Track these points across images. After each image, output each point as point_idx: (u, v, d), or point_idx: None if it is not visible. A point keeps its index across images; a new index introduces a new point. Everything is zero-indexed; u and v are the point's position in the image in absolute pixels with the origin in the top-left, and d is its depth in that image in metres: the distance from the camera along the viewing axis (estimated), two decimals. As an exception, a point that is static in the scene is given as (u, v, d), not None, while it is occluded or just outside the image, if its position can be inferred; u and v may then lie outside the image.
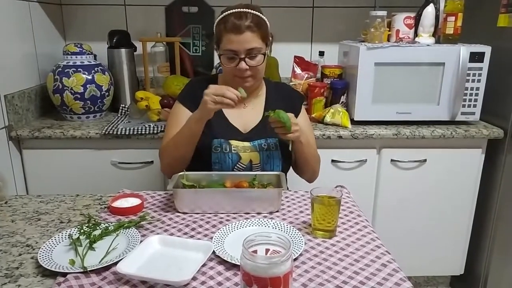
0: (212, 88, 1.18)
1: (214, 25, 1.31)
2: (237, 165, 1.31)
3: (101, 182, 1.79)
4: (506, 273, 1.92)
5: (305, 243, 0.97)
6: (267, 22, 1.31)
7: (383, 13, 1.82)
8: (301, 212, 1.15)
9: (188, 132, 1.27)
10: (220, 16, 1.29)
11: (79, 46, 1.87)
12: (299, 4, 2.26)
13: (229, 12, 1.27)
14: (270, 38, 1.34)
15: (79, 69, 1.82)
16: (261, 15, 1.29)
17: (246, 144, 1.33)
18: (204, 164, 1.31)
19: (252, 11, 1.26)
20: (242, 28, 1.23)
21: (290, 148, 1.30)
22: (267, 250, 0.75)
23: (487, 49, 1.76)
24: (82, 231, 0.99)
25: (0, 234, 1.03)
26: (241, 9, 1.26)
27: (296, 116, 1.40)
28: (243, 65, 1.25)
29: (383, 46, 1.76)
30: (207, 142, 1.31)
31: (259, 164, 1.33)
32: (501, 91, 1.83)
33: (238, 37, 1.23)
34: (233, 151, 1.31)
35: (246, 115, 1.37)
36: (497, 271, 1.92)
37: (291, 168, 1.46)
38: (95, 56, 1.97)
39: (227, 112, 1.36)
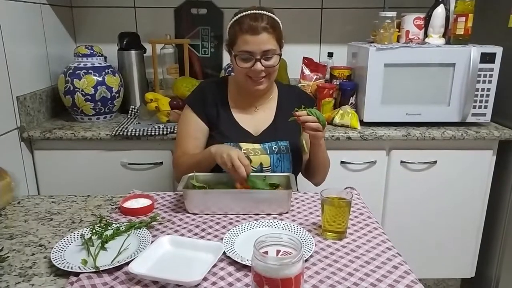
0: (238, 155, 1.13)
1: (228, 27, 1.30)
2: None
3: (111, 182, 1.80)
4: (517, 276, 1.90)
5: (315, 245, 0.97)
6: (280, 24, 1.30)
7: (392, 13, 1.81)
8: (311, 213, 1.15)
9: (203, 162, 1.25)
10: (235, 18, 1.27)
11: (89, 48, 1.88)
12: (308, 6, 2.26)
13: (244, 14, 1.25)
14: (283, 40, 1.32)
15: (89, 71, 1.84)
16: (275, 17, 1.28)
17: (257, 146, 1.32)
18: (215, 167, 1.31)
19: (267, 13, 1.26)
20: (258, 29, 1.22)
21: (306, 150, 1.32)
22: (278, 251, 0.75)
23: (498, 50, 1.75)
24: (94, 231, 1.00)
25: (13, 234, 1.04)
26: (257, 11, 1.25)
27: None
28: (258, 66, 1.25)
29: (393, 47, 1.75)
30: None
31: (269, 167, 1.32)
32: (512, 92, 1.81)
33: (254, 38, 1.22)
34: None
35: (257, 118, 1.37)
36: (509, 274, 1.90)
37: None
38: (105, 58, 1.98)
39: (238, 116, 1.37)
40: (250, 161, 1.18)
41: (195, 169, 1.26)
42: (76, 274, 0.85)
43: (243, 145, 1.32)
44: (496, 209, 1.91)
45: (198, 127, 1.35)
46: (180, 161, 1.34)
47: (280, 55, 1.29)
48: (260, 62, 1.25)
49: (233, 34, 1.27)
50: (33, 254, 0.94)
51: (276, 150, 1.32)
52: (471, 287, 2.08)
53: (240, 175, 1.12)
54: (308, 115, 1.22)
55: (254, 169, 1.31)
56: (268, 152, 1.32)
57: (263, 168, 1.32)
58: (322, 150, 1.34)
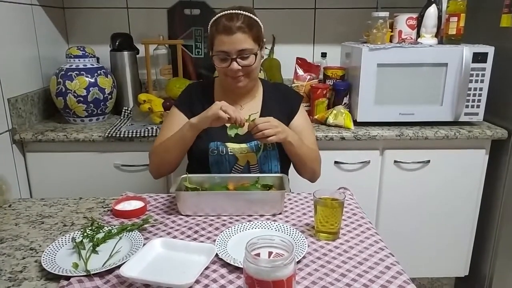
0: (221, 105, 1.19)
1: (208, 28, 1.31)
2: (235, 166, 1.31)
3: (104, 185, 1.79)
4: (511, 274, 1.91)
5: (308, 246, 0.97)
6: (260, 23, 1.31)
7: (385, 14, 1.81)
8: (304, 214, 1.15)
9: (180, 137, 1.28)
10: (213, 19, 1.29)
11: (82, 49, 1.87)
12: (301, 6, 2.26)
13: (220, 14, 1.27)
14: (264, 39, 1.34)
15: (82, 72, 1.82)
16: (253, 16, 1.28)
17: (243, 145, 1.33)
18: (202, 167, 1.32)
19: (243, 12, 1.26)
20: (233, 29, 1.23)
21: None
22: (270, 253, 0.75)
23: (490, 50, 1.76)
24: (85, 234, 0.99)
25: (4, 237, 1.03)
26: (233, 11, 1.26)
27: (293, 116, 1.41)
28: (234, 65, 1.26)
29: (386, 47, 1.75)
30: (204, 146, 1.31)
31: (256, 165, 1.33)
32: (504, 91, 1.82)
33: (229, 38, 1.23)
34: (229, 153, 1.32)
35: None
36: (502, 272, 1.91)
37: (293, 169, 1.46)
38: (97, 59, 1.97)
39: None
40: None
41: (168, 151, 1.30)
42: (67, 278, 0.84)
43: (229, 144, 1.32)
44: (489, 207, 1.92)
45: (183, 123, 1.35)
46: (157, 149, 1.35)
47: (257, 54, 1.29)
48: (236, 62, 1.26)
49: (211, 35, 1.29)
50: (23, 258, 0.94)
51: (262, 147, 1.32)
52: (465, 286, 2.09)
53: (238, 119, 1.18)
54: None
55: (242, 167, 1.31)
56: (254, 150, 1.32)
57: (250, 166, 1.32)
58: (297, 147, 1.30)
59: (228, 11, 1.26)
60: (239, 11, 1.26)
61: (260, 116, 1.37)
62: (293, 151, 1.31)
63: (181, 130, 1.28)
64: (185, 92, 1.44)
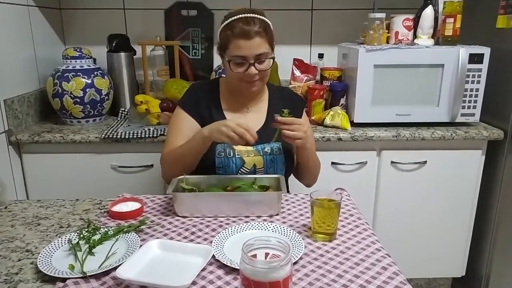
0: (236, 123, 1.15)
1: (219, 30, 1.29)
2: (241, 169, 1.31)
3: (101, 186, 1.79)
4: (507, 275, 1.92)
5: (305, 247, 0.97)
6: (271, 26, 1.30)
7: (382, 15, 1.82)
8: (301, 215, 1.15)
9: (195, 148, 1.26)
10: (226, 22, 1.26)
11: (78, 50, 1.87)
12: (298, 7, 2.27)
13: (235, 17, 1.24)
14: (274, 42, 1.33)
15: (78, 73, 1.82)
16: (266, 19, 1.28)
17: (250, 148, 1.32)
18: (208, 168, 1.31)
19: (259, 16, 1.25)
20: (251, 33, 1.21)
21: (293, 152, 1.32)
22: (266, 254, 0.75)
23: (486, 51, 1.76)
24: (81, 236, 0.99)
25: (-1, 239, 1.03)
26: (248, 15, 1.24)
27: None
28: (252, 70, 1.25)
29: (382, 48, 1.76)
30: (210, 148, 1.30)
31: (262, 168, 1.32)
32: (500, 92, 1.83)
33: (247, 43, 1.22)
34: (236, 156, 1.31)
35: (249, 119, 1.37)
36: (499, 272, 1.91)
37: (292, 171, 1.46)
38: (94, 60, 1.97)
39: (230, 117, 1.36)
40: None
41: (183, 160, 1.27)
42: (63, 280, 0.83)
43: (236, 147, 1.31)
44: (485, 208, 1.92)
45: (191, 126, 1.34)
46: (170, 157, 1.33)
47: (273, 58, 1.29)
48: (254, 66, 1.25)
49: (225, 39, 1.26)
50: (19, 260, 0.93)
51: (269, 151, 1.32)
52: (462, 286, 2.09)
53: (248, 140, 1.14)
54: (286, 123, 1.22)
55: (248, 170, 1.31)
56: (261, 153, 1.32)
57: (256, 169, 1.32)
58: (307, 154, 1.33)
59: (243, 15, 1.24)
60: (254, 15, 1.24)
61: (266, 119, 1.38)
62: (305, 156, 1.33)
63: (195, 140, 1.25)
64: (189, 92, 1.41)
